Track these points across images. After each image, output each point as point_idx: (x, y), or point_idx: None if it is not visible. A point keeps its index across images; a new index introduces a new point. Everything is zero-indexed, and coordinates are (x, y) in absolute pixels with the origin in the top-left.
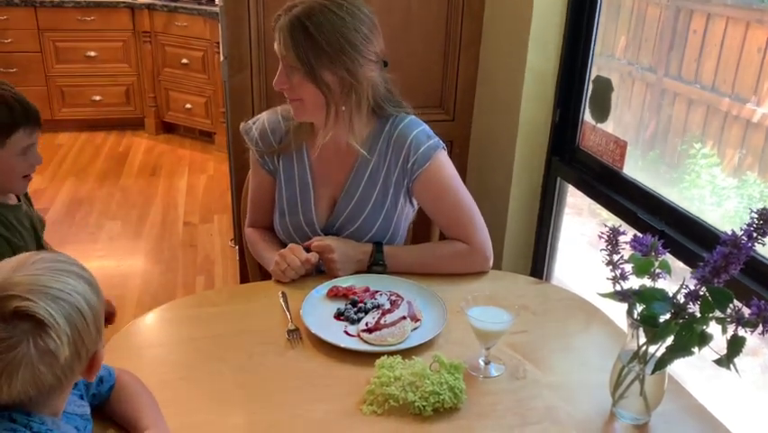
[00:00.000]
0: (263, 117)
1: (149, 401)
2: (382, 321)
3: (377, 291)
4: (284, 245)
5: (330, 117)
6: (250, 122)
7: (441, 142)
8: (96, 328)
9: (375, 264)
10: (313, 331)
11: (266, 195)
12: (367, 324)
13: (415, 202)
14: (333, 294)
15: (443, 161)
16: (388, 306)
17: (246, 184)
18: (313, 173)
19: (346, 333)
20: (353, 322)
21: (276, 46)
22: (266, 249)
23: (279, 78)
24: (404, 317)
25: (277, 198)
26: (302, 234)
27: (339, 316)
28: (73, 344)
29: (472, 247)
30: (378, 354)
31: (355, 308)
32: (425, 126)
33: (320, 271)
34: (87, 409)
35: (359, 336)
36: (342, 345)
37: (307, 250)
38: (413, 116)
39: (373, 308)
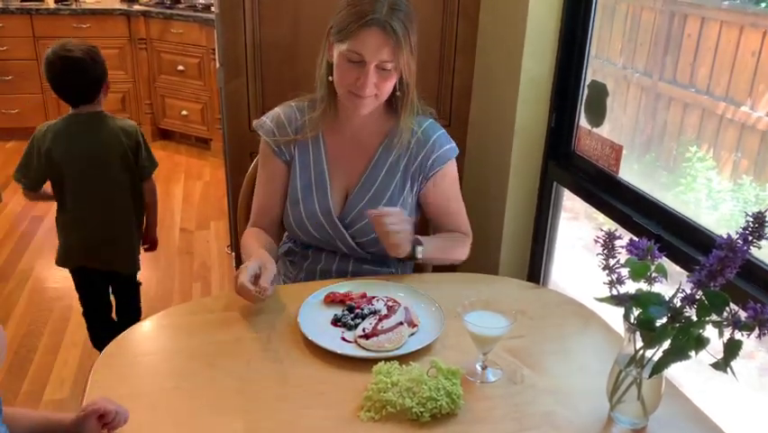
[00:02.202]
0: (277, 110)
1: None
2: (379, 327)
3: (374, 297)
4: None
5: (407, 106)
6: (262, 117)
7: (457, 149)
8: None
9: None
10: (310, 338)
11: (278, 186)
12: (364, 330)
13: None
14: (330, 300)
15: (454, 166)
16: (385, 312)
17: (243, 189)
18: (329, 161)
19: (343, 339)
20: (350, 328)
21: (364, 50)
22: (252, 252)
23: (370, 87)
24: (401, 323)
25: (290, 187)
26: (315, 223)
27: (336, 322)
28: None
29: (466, 235)
30: (375, 361)
31: (352, 315)
32: (444, 131)
33: (318, 278)
34: None
35: (356, 342)
36: (339, 352)
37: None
38: (433, 119)
39: (370, 313)
